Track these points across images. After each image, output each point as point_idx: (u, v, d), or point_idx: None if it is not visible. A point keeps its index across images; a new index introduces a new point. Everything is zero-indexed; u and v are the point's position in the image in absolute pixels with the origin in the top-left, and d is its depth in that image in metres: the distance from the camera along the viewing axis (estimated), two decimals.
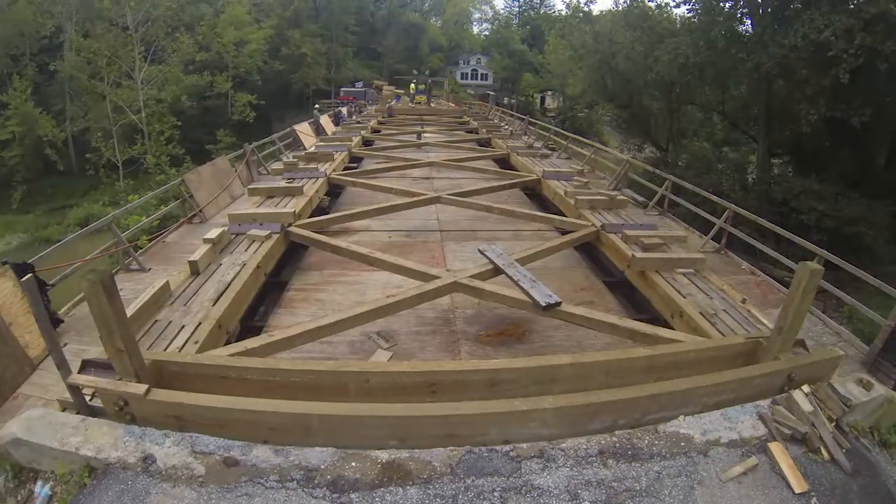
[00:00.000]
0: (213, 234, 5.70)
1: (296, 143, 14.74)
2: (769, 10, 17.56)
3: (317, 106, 25.62)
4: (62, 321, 5.00)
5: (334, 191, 10.17)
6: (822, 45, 13.98)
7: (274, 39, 40.02)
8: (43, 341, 3.39)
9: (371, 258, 5.88)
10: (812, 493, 2.95)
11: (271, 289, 5.91)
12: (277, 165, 11.57)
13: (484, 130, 17.81)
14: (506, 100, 50.12)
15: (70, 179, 29.43)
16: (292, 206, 7.31)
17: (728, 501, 2.87)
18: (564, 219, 7.91)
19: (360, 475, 2.87)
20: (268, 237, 6.07)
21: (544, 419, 3.21)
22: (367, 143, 16.13)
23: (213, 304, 4.43)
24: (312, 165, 10.06)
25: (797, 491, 2.94)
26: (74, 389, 3.20)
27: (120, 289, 3.06)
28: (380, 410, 3.14)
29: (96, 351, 3.36)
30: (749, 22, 19.53)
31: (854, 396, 3.39)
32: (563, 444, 3.11)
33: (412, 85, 32.76)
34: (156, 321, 4.10)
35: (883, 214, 15.97)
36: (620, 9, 29.10)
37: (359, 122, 19.99)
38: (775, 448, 3.18)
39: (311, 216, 7.80)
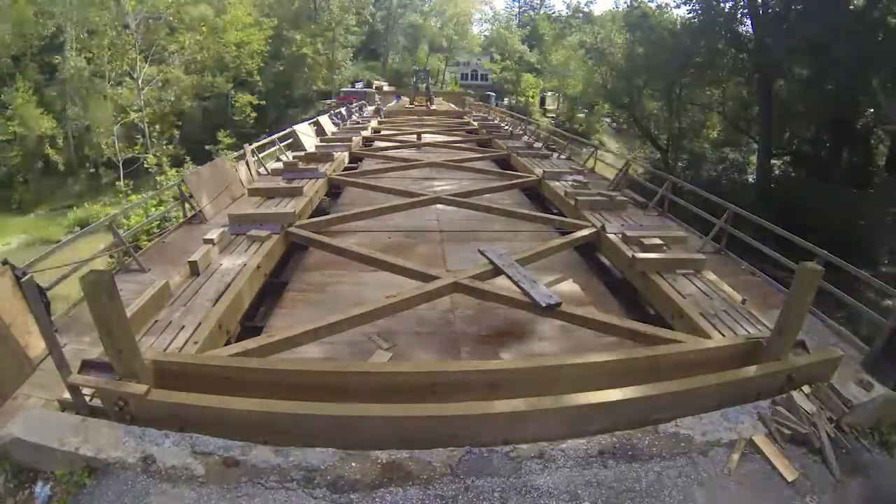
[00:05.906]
0: (213, 234, 5.72)
1: (296, 144, 14.71)
2: (769, 11, 17.62)
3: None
4: (56, 330, 4.97)
5: (334, 191, 10.18)
6: (823, 48, 14.02)
7: (274, 40, 39.99)
8: (43, 341, 3.38)
9: (371, 258, 5.89)
10: (812, 492, 2.95)
11: (271, 289, 5.91)
12: (277, 166, 11.57)
13: (484, 131, 17.81)
14: (506, 100, 50.08)
15: (70, 179, 29.37)
16: (292, 206, 7.32)
17: (728, 502, 2.87)
18: (565, 219, 7.92)
19: (360, 475, 2.87)
20: (268, 237, 6.08)
21: (544, 419, 3.21)
22: (367, 143, 16.13)
23: (213, 305, 4.43)
24: (312, 166, 10.06)
25: (789, 479, 2.96)
26: (74, 389, 3.20)
27: (120, 289, 3.06)
28: (380, 410, 3.14)
29: (96, 351, 3.36)
30: (749, 22, 19.56)
31: (854, 397, 3.40)
32: (563, 445, 3.11)
33: (421, 85, 31.45)
34: (156, 321, 4.10)
35: (883, 215, 15.98)
36: (621, 9, 29.16)
37: (359, 123, 19.99)
38: (760, 441, 3.19)
39: (311, 216, 7.81)
